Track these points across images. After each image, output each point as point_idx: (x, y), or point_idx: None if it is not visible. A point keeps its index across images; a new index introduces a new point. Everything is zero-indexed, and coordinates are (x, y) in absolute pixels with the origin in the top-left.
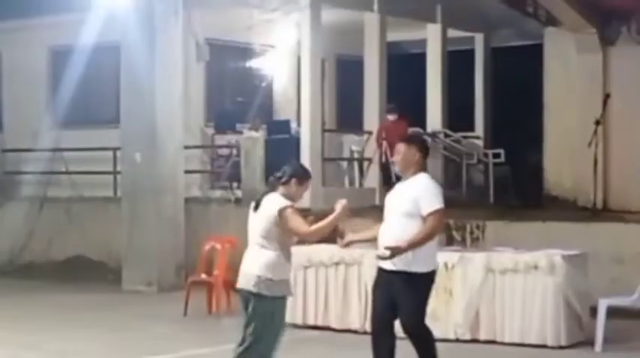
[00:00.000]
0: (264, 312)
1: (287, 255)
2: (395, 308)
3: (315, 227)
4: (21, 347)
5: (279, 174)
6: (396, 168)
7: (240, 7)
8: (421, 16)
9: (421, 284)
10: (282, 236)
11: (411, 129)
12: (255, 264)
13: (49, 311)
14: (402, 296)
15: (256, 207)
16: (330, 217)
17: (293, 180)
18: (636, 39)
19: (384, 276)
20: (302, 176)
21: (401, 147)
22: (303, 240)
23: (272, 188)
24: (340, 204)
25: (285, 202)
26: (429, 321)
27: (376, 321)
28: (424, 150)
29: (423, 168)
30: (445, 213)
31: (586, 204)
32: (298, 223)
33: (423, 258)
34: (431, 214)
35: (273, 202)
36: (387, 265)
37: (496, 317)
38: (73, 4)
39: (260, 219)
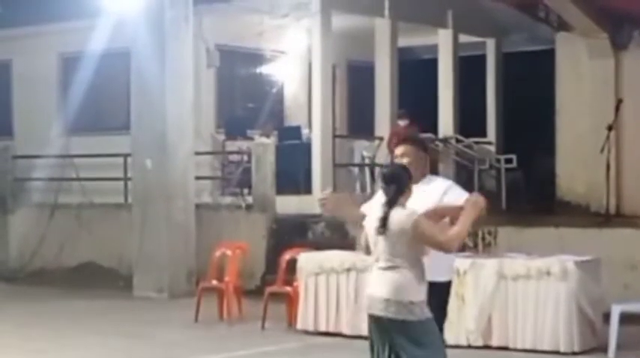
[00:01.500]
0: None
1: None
2: None
3: (453, 232)
4: (31, 354)
5: (393, 186)
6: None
7: (250, 13)
8: (432, 21)
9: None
10: (418, 252)
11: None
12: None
13: (59, 318)
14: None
15: (383, 226)
16: (464, 216)
17: (408, 188)
18: None
19: None
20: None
21: (406, 148)
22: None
23: (392, 201)
24: (472, 200)
25: (415, 212)
26: None
27: None
28: (427, 148)
29: (432, 170)
30: None
31: (599, 209)
32: (436, 232)
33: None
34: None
35: (404, 216)
36: None
37: (508, 324)
38: (83, 11)
39: (391, 238)
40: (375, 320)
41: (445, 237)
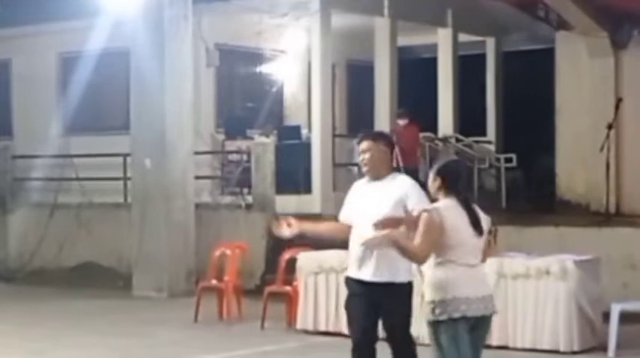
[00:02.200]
0: None
1: None
2: (377, 319)
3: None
4: (31, 354)
5: (463, 182)
6: (364, 170)
7: (250, 12)
8: (432, 20)
9: (409, 293)
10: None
11: (421, 135)
12: (487, 285)
13: (59, 317)
14: (394, 306)
15: (478, 227)
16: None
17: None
18: None
19: (361, 287)
20: None
21: (368, 144)
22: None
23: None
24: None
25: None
26: None
27: (360, 334)
28: (393, 146)
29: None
30: None
31: (599, 208)
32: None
33: (407, 268)
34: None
35: (484, 217)
36: (368, 277)
37: (508, 323)
38: (83, 10)
39: (481, 238)
40: (478, 320)
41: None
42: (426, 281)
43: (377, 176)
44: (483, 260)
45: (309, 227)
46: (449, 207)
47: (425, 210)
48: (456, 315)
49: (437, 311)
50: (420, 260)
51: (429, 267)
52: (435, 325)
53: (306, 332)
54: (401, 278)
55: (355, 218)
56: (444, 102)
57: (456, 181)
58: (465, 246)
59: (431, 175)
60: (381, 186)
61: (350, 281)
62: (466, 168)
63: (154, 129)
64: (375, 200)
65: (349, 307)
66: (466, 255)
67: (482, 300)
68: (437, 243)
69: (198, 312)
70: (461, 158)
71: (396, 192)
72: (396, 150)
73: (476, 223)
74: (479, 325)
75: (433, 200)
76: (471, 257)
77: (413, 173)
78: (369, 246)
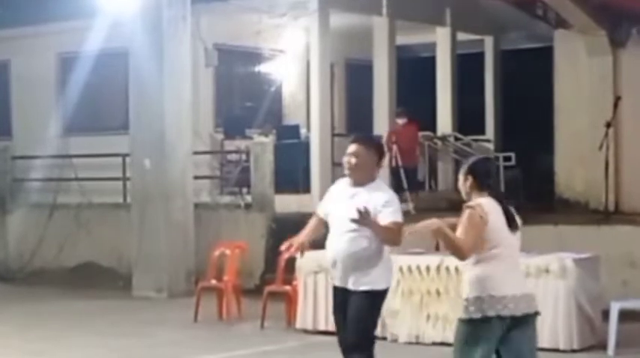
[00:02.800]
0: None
1: None
2: None
3: None
4: (31, 354)
5: (492, 179)
6: (347, 172)
7: (248, 12)
8: (430, 19)
9: (369, 302)
10: None
11: (420, 134)
12: (526, 283)
13: (58, 318)
14: (358, 313)
15: (513, 223)
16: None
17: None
18: None
19: (335, 293)
20: None
21: (357, 149)
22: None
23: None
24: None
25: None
26: (440, 325)
27: (341, 345)
28: (383, 154)
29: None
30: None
31: (598, 207)
32: None
33: (371, 278)
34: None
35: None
36: (336, 282)
37: None
38: (81, 11)
39: (518, 236)
40: (518, 320)
41: None
42: (465, 278)
43: (360, 183)
44: None
45: (306, 237)
46: (489, 204)
47: (468, 206)
48: (491, 313)
49: (471, 308)
50: (464, 254)
51: (466, 265)
52: (467, 323)
53: (305, 331)
54: (362, 287)
55: (332, 220)
56: (443, 101)
57: (486, 179)
58: (505, 243)
59: (460, 176)
60: (361, 194)
61: (333, 288)
62: (494, 165)
63: (153, 130)
64: (351, 208)
65: (333, 315)
66: (507, 252)
67: (523, 298)
68: (480, 240)
69: (197, 312)
70: (488, 155)
71: (371, 205)
72: (395, 149)
73: (511, 219)
74: (521, 325)
75: (465, 201)
76: (511, 253)
77: (412, 172)
78: (412, 232)
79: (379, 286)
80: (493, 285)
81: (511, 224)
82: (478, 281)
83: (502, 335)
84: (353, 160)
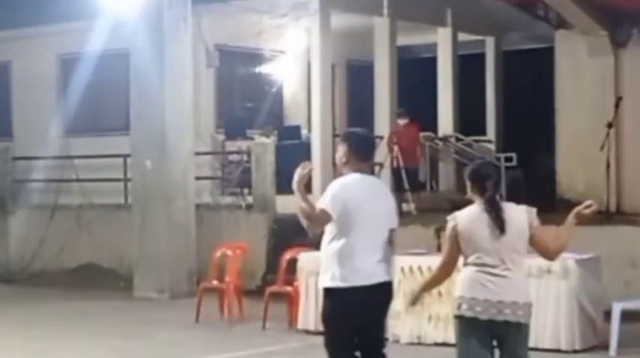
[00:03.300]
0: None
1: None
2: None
3: (564, 236)
4: (32, 355)
5: (492, 182)
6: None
7: (249, 12)
8: (431, 20)
9: (326, 298)
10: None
11: (421, 134)
12: (521, 291)
13: (60, 319)
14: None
15: (501, 227)
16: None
17: None
18: None
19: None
20: None
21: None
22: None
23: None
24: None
25: (532, 209)
26: (441, 325)
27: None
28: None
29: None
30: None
31: (599, 207)
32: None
33: (331, 274)
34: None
35: (518, 212)
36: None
37: None
38: (82, 12)
39: (510, 239)
40: (500, 326)
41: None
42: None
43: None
44: (549, 253)
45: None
46: (467, 213)
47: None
48: (469, 314)
49: (454, 306)
50: (444, 271)
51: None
52: (454, 320)
53: (307, 332)
54: (322, 283)
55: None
56: (444, 101)
57: (483, 183)
58: (482, 250)
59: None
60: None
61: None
62: (496, 169)
63: (155, 130)
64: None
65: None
66: (484, 258)
67: (500, 305)
68: (457, 249)
69: (199, 313)
70: (489, 159)
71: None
72: (396, 150)
73: (498, 224)
74: (504, 333)
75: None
76: (490, 259)
77: (413, 173)
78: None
79: (322, 284)
80: (470, 288)
81: (497, 228)
82: (461, 283)
83: (492, 338)
84: (345, 159)
